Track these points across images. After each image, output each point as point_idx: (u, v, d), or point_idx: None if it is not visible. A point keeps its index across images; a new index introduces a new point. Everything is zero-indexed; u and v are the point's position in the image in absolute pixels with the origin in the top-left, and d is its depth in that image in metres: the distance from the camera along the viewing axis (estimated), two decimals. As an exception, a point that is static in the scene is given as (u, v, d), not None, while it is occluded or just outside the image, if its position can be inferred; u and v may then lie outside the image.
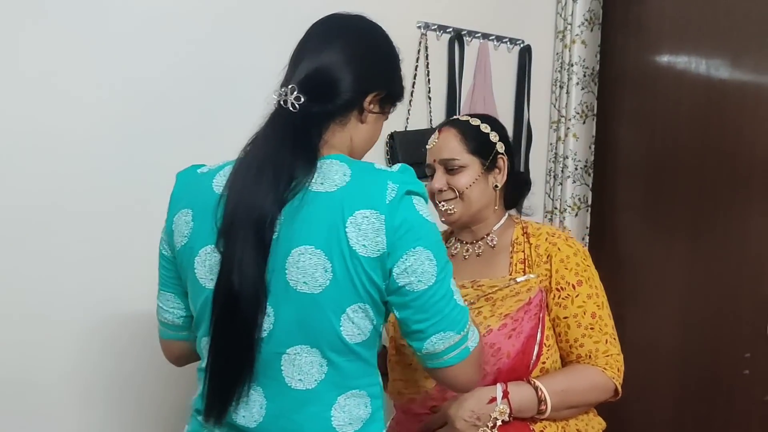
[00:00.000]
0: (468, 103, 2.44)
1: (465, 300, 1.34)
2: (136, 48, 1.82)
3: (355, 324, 1.06)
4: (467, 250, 1.57)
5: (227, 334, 1.05)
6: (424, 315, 1.07)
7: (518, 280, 1.46)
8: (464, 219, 1.53)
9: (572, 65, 2.52)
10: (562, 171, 2.53)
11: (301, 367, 1.06)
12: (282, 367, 1.07)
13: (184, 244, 1.11)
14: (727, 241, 2.12)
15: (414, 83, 2.31)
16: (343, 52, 1.11)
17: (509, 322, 1.43)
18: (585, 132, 2.54)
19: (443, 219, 1.54)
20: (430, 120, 2.36)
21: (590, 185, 2.56)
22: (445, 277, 1.08)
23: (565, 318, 1.46)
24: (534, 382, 1.39)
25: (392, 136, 2.26)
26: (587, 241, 2.55)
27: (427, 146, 1.58)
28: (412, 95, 2.31)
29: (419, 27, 2.32)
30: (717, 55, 2.18)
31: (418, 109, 2.34)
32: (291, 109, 1.08)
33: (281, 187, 1.03)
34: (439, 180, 1.52)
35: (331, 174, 1.06)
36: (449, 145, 1.53)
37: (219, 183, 1.10)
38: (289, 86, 1.09)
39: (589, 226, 2.56)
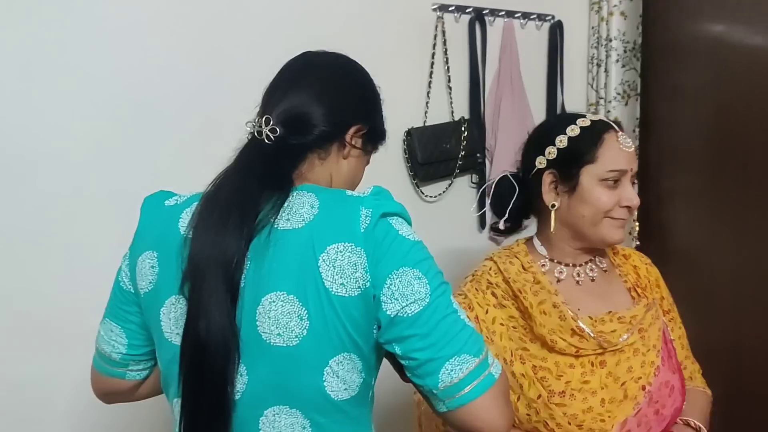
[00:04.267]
0: (493, 90, 2.21)
1: (617, 335, 1.25)
2: (134, 49, 1.71)
3: (341, 378, 0.94)
4: (578, 274, 1.33)
5: (198, 394, 0.93)
6: (429, 340, 0.91)
7: (652, 305, 1.33)
8: None
9: (610, 40, 2.25)
10: (603, 159, 2.28)
11: (281, 430, 0.95)
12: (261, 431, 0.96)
13: (149, 290, 1.01)
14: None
15: (431, 72, 2.10)
16: (319, 85, 1.05)
17: (664, 355, 1.28)
18: (628, 114, 2.28)
19: (617, 239, 1.30)
20: (452, 112, 2.15)
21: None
22: (443, 294, 0.94)
23: (672, 340, 1.35)
24: (700, 427, 1.29)
25: (409, 133, 2.05)
26: (634, 235, 2.29)
27: (622, 146, 1.29)
28: (430, 86, 2.10)
29: (435, 9, 2.10)
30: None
31: (438, 101, 2.13)
32: (266, 140, 1.01)
33: (248, 225, 0.93)
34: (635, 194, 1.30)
35: (297, 208, 0.96)
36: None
37: (185, 222, 0.99)
38: (264, 117, 1.02)
39: (635, 219, 2.29)
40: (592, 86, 2.35)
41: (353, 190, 1.10)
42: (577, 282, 1.32)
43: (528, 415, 1.23)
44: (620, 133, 1.30)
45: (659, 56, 2.28)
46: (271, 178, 0.98)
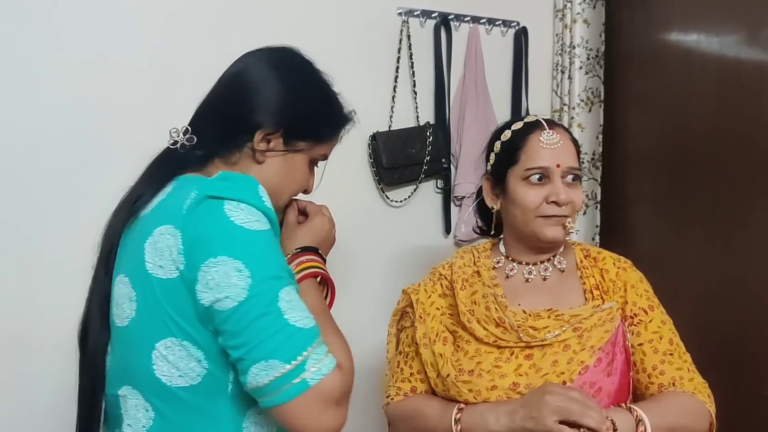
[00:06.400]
0: (459, 95, 2.21)
1: (548, 331, 1.25)
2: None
3: (172, 363, 0.93)
4: (530, 272, 1.36)
5: (81, 374, 1.02)
6: (240, 339, 0.88)
7: (603, 307, 1.30)
8: None
9: (574, 47, 2.27)
10: (567, 165, 2.30)
11: (128, 411, 0.98)
12: (121, 412, 0.99)
13: None
14: (748, 233, 1.91)
15: (397, 77, 2.09)
16: (229, 91, 1.05)
17: (603, 357, 1.26)
18: (591, 121, 2.30)
19: (550, 237, 1.29)
20: (417, 117, 2.13)
21: (599, 180, 2.32)
22: (268, 291, 0.89)
23: (639, 345, 1.31)
24: (636, 411, 1.19)
25: (374, 137, 2.04)
26: (597, 241, 2.31)
27: (543, 144, 1.29)
28: (395, 90, 2.09)
29: (400, 14, 2.09)
30: (730, 30, 1.94)
31: (403, 105, 2.12)
32: (179, 149, 1.04)
33: (126, 220, 1.03)
34: (566, 190, 1.28)
35: (158, 196, 1.01)
36: (570, 150, 1.31)
37: None
38: (183, 127, 1.05)
39: (599, 224, 2.32)
40: (556, 93, 2.37)
41: (294, 191, 1.09)
42: (527, 280, 1.36)
43: (444, 390, 1.30)
44: (546, 130, 1.31)
45: (622, 64, 2.30)
46: (159, 177, 1.02)
